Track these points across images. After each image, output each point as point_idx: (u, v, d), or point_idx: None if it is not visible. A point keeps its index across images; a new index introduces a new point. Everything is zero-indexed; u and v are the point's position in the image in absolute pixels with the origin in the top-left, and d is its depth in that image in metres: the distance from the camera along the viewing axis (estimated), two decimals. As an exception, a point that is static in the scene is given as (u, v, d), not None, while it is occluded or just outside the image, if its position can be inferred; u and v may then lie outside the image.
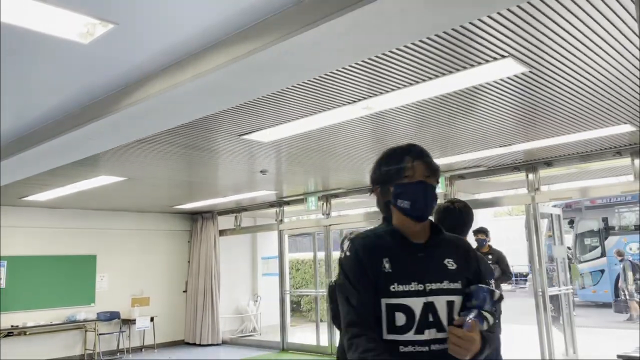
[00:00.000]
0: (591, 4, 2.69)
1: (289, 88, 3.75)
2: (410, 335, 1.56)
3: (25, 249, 9.13)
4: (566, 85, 3.90)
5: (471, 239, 5.69)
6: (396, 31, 2.62)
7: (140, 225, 10.61)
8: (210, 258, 10.76)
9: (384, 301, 1.58)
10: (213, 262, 10.73)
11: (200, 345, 10.49)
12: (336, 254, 10.99)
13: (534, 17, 2.78)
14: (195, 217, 11.24)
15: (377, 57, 3.22)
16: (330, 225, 9.19)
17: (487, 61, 3.32)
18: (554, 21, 2.84)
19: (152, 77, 3.39)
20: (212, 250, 10.78)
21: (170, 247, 11.08)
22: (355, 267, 1.65)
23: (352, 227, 11.03)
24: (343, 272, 1.67)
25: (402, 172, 1.69)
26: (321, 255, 9.70)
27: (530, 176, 6.86)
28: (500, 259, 6.69)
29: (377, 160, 1.80)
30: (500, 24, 2.83)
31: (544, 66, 3.48)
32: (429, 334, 1.57)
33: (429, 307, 1.58)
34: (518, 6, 2.62)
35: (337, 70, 3.42)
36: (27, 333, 8.83)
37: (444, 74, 3.54)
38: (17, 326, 8.76)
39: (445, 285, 1.62)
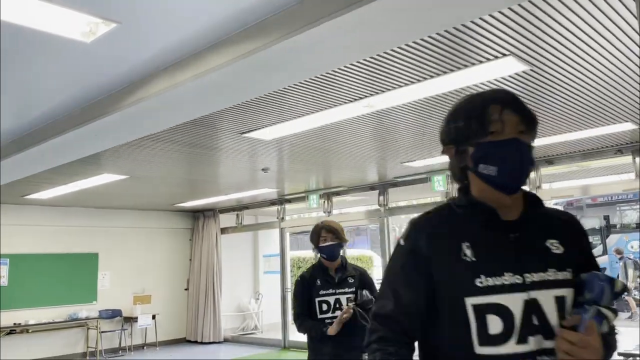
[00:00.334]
0: (592, 3, 2.69)
1: (290, 86, 3.76)
2: (511, 347, 1.16)
3: (27, 247, 9.16)
4: (567, 84, 3.90)
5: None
6: (398, 29, 2.62)
7: (142, 223, 10.63)
8: (211, 256, 10.78)
9: (469, 301, 1.19)
10: (215, 260, 10.75)
11: (201, 343, 10.51)
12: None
13: (534, 16, 2.78)
14: (197, 215, 11.25)
15: (379, 55, 3.23)
16: (331, 223, 9.18)
17: (489, 59, 3.33)
18: (555, 19, 2.84)
19: (155, 75, 3.41)
20: (213, 248, 10.80)
21: (171, 245, 11.10)
22: (405, 258, 1.29)
23: (353, 224, 11.01)
24: (389, 262, 1.34)
25: (486, 127, 1.25)
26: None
27: (532, 174, 6.85)
28: None
29: (450, 112, 1.35)
30: (502, 23, 2.84)
31: (545, 64, 3.48)
32: (535, 342, 1.17)
33: (531, 306, 1.19)
34: (519, 5, 2.63)
35: (339, 68, 3.43)
36: (30, 331, 8.87)
37: (445, 73, 3.55)
38: (19, 324, 8.79)
39: (551, 275, 1.23)
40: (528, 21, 2.84)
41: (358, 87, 3.83)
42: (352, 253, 14.22)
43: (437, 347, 1.26)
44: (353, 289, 3.23)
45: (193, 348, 10.24)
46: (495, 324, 1.16)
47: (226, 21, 2.79)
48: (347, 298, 3.19)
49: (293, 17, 2.60)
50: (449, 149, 1.34)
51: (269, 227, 10.59)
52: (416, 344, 1.31)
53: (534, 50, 3.24)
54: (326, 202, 9.16)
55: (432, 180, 7.43)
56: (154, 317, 10.16)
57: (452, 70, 3.51)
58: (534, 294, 1.19)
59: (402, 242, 1.32)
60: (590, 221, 14.51)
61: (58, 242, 9.51)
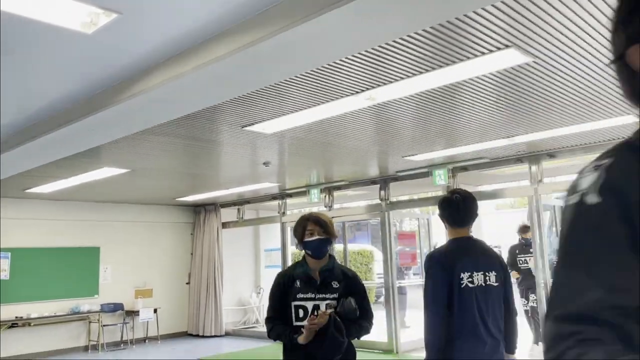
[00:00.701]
0: (596, -7, 2.68)
1: (291, 79, 3.74)
2: None
3: (29, 240, 9.17)
4: (570, 76, 3.89)
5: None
6: (400, 21, 2.61)
7: (144, 217, 10.65)
8: (213, 250, 10.79)
9: None
10: (216, 254, 10.76)
11: (203, 336, 10.54)
12: (339, 246, 10.98)
13: (537, 6, 2.76)
14: (198, 210, 11.26)
15: (379, 47, 3.21)
16: (332, 217, 9.17)
17: (491, 51, 3.31)
18: (557, 10, 2.82)
19: (155, 68, 3.40)
20: (214, 242, 10.82)
21: (173, 239, 11.11)
22: (606, 222, 0.75)
23: (354, 219, 11.01)
24: (573, 230, 0.79)
25: None
26: (323, 247, 9.69)
27: (534, 168, 6.85)
28: None
29: None
30: (504, 13, 2.82)
31: (547, 56, 3.46)
32: None
33: None
34: (522, -5, 2.62)
35: (340, 60, 3.41)
36: (31, 324, 8.90)
37: (447, 65, 3.53)
38: (21, 317, 8.82)
39: None
40: (531, 11, 2.82)
41: (360, 79, 3.81)
42: (352, 248, 14.22)
43: None
44: (335, 295, 2.71)
45: (194, 341, 10.26)
46: None
47: (227, 12, 2.78)
48: (327, 305, 2.68)
49: (294, 9, 2.59)
50: (635, 49, 0.80)
51: (270, 222, 10.59)
52: None
53: (536, 42, 3.22)
54: (327, 196, 9.16)
55: (433, 174, 7.42)
56: (155, 310, 10.18)
57: (454, 62, 3.49)
58: None
59: (588, 198, 0.77)
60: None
61: (59, 236, 9.52)
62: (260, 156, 6.53)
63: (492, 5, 2.71)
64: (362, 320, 2.71)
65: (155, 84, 3.39)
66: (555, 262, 0.86)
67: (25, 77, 3.67)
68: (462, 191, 2.82)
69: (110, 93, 3.77)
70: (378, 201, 8.71)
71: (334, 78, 3.78)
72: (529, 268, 7.11)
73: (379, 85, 3.95)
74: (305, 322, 2.62)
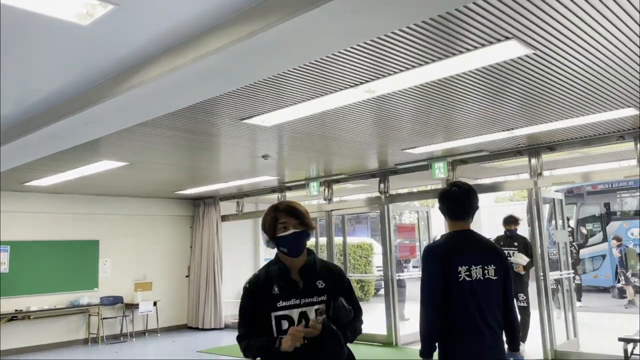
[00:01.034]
0: (597, -16, 2.65)
1: (290, 71, 3.72)
2: None
3: (28, 234, 9.16)
4: (570, 68, 3.86)
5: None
6: (399, 11, 2.58)
7: (143, 210, 10.64)
8: (212, 243, 10.80)
9: None
10: (215, 248, 10.77)
11: (202, 329, 10.57)
12: (338, 239, 10.97)
13: (538, -2, 2.74)
14: (198, 203, 11.26)
15: (379, 39, 3.19)
16: (332, 210, 9.19)
17: (491, 43, 3.28)
18: (558, 1, 2.79)
19: (152, 59, 3.37)
20: (214, 235, 10.82)
21: (172, 233, 11.11)
22: None
23: (354, 212, 11.01)
24: None
25: None
26: (323, 240, 9.71)
27: (533, 161, 6.83)
28: (527, 245, 6.79)
29: None
30: (504, 4, 2.79)
31: (547, 48, 3.44)
32: None
33: None
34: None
35: (339, 52, 3.39)
36: (31, 317, 8.91)
37: (447, 56, 3.51)
38: (21, 310, 8.82)
39: None
40: (531, 2, 2.79)
41: (358, 71, 3.79)
42: (352, 241, 14.23)
43: None
44: (324, 298, 2.26)
45: (194, 334, 10.29)
46: None
47: (225, 3, 2.75)
48: (317, 310, 2.22)
49: (291, 0, 2.56)
50: None
51: (270, 215, 10.55)
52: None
53: (536, 34, 3.19)
54: (326, 189, 9.15)
55: (432, 167, 7.41)
56: (155, 303, 10.20)
57: (453, 55, 3.47)
58: None
59: None
60: (590, 208, 14.51)
61: (59, 229, 9.52)
62: (260, 149, 6.51)
63: (493, -3, 2.68)
64: (354, 321, 2.30)
65: (152, 77, 3.36)
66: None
67: (22, 70, 3.65)
68: (462, 184, 2.80)
69: (107, 85, 3.75)
70: (377, 194, 8.70)
71: (333, 70, 3.76)
72: (511, 263, 6.57)
73: (377, 78, 3.92)
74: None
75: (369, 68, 3.72)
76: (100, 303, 9.70)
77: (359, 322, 2.36)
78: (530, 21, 3.01)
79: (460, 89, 4.27)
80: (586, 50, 3.53)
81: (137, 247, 10.43)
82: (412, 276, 9.98)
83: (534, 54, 3.52)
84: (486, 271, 2.65)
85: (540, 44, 3.35)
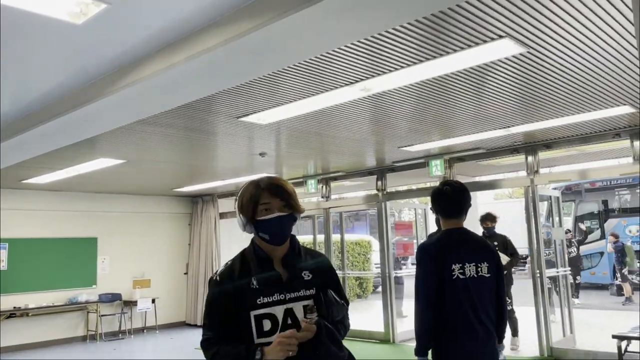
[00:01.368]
0: (589, -17, 2.65)
1: (285, 69, 3.72)
2: None
3: (26, 231, 9.18)
4: (565, 66, 3.87)
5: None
6: (394, 10, 2.59)
7: (141, 207, 10.65)
8: (210, 240, 10.81)
9: None
10: (213, 245, 10.78)
11: (200, 326, 10.57)
12: (336, 237, 10.92)
13: (531, -4, 2.74)
14: (196, 200, 11.27)
15: (374, 37, 3.19)
16: (330, 208, 9.20)
17: (485, 41, 3.29)
18: (552, 0, 2.80)
19: (147, 58, 3.37)
20: (212, 232, 10.84)
21: (171, 230, 11.13)
22: None
23: (352, 209, 11.01)
24: None
25: None
26: (321, 238, 9.73)
27: (530, 158, 6.84)
28: (506, 244, 6.75)
29: None
30: (498, 4, 2.80)
31: (542, 46, 3.45)
32: None
33: None
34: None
35: (334, 50, 3.39)
36: (30, 314, 8.93)
37: (441, 55, 3.51)
38: (20, 308, 8.85)
39: None
40: (525, 2, 2.80)
41: (354, 69, 3.79)
42: (350, 238, 14.23)
43: None
44: (312, 291, 1.88)
45: (192, 331, 10.30)
46: None
47: (220, 1, 2.76)
48: (306, 306, 1.84)
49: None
50: None
51: (268, 212, 10.56)
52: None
53: (531, 32, 3.20)
54: (324, 187, 9.16)
55: (429, 165, 7.42)
56: (153, 301, 10.23)
57: (448, 53, 3.48)
58: None
59: None
60: (588, 206, 14.53)
61: (57, 226, 9.53)
62: (257, 147, 6.51)
63: (485, -5, 2.69)
64: (343, 317, 1.98)
65: (147, 75, 3.37)
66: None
67: (17, 69, 3.65)
68: (454, 182, 2.83)
69: (103, 84, 3.75)
70: (375, 191, 8.71)
71: (328, 68, 3.76)
72: None
73: (373, 76, 3.93)
74: (274, 337, 1.76)
75: (365, 66, 3.73)
76: (99, 300, 9.72)
77: (347, 317, 2.00)
78: (524, 20, 3.02)
79: (456, 87, 4.28)
80: (580, 49, 3.54)
81: (135, 245, 10.44)
82: (410, 273, 9.97)
83: (528, 52, 3.52)
84: (479, 269, 2.66)
85: (534, 42, 3.36)
